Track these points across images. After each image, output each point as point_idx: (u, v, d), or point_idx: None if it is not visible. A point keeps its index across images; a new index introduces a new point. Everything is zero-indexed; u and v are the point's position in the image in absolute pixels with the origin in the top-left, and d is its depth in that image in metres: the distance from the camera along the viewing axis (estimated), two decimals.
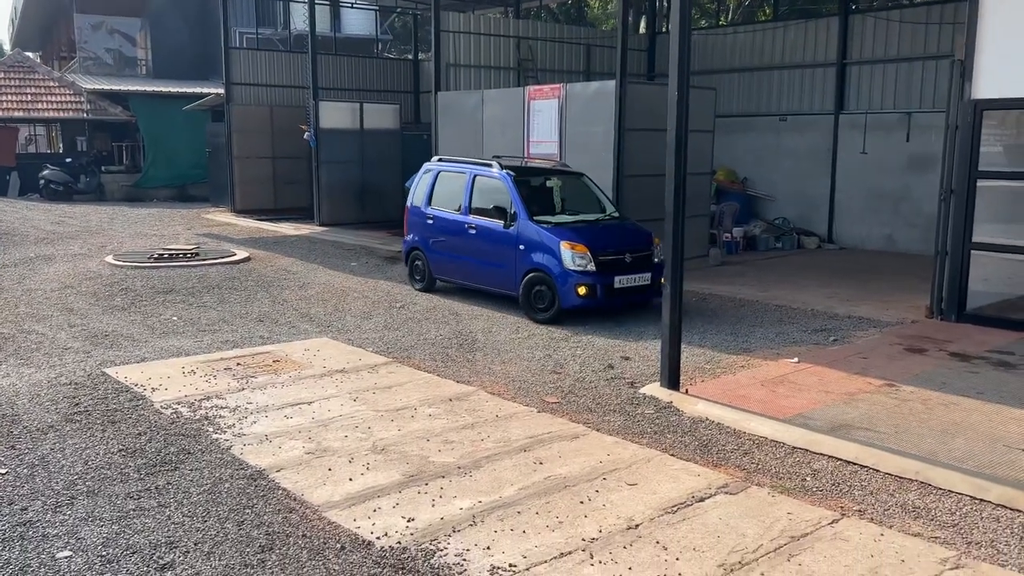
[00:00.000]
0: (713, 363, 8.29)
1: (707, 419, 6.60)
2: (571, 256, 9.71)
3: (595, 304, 9.82)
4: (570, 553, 4.34)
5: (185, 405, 6.61)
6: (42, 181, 24.96)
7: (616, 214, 10.91)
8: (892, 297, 11.61)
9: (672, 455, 5.81)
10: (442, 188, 11.59)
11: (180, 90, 27.10)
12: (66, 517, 4.61)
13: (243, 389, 7.09)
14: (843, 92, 16.80)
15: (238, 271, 13.52)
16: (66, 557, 4.16)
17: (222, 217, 22.03)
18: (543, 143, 14.33)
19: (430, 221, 11.63)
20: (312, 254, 15.66)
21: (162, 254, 14.33)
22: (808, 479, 5.49)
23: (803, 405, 6.91)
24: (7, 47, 57.23)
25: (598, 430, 6.28)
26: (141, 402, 6.68)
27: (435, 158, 12.48)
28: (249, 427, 6.15)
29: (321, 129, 19.62)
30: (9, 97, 25.63)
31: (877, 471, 5.62)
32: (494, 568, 4.17)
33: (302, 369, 7.74)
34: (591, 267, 9.69)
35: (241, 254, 14.96)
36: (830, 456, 5.86)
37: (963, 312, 9.86)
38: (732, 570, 4.20)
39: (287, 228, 19.79)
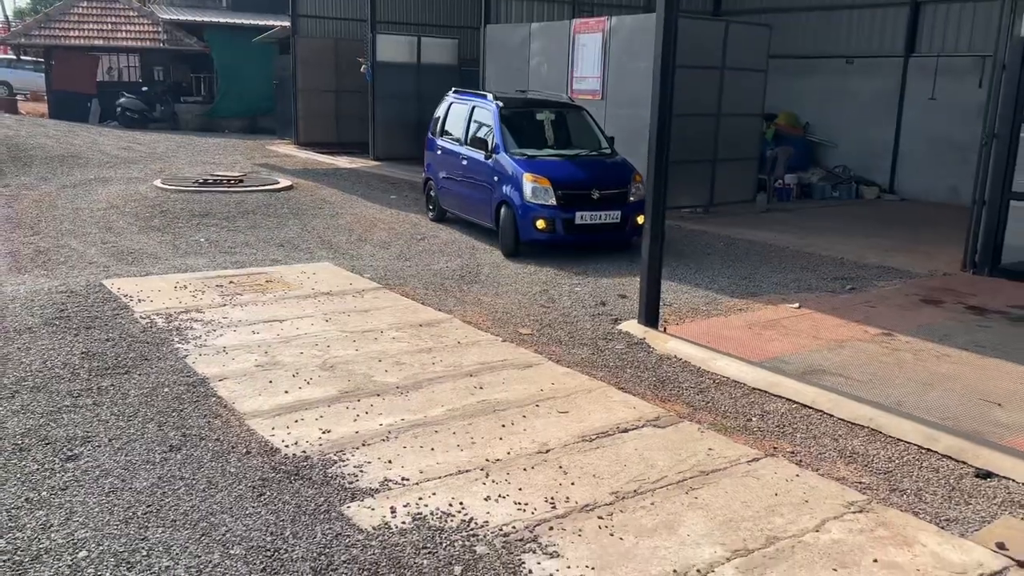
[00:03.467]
0: (712, 304, 8.07)
1: (675, 356, 6.44)
2: (531, 188, 9.53)
3: (555, 239, 9.62)
4: (468, 472, 4.33)
5: (162, 316, 6.83)
6: (119, 108, 25.84)
7: (607, 150, 10.61)
8: (936, 249, 11.02)
9: (620, 388, 5.70)
10: (451, 120, 11.66)
11: (254, 22, 27.48)
12: (3, 408, 4.85)
13: (224, 305, 7.26)
14: (915, 33, 15.78)
15: (276, 199, 13.76)
16: None
17: (284, 149, 22.42)
18: (587, 79, 14.00)
19: (439, 152, 11.74)
20: (356, 186, 15.81)
21: (208, 180, 14.70)
22: (754, 419, 5.32)
23: (784, 349, 6.66)
24: None
25: (557, 361, 6.21)
26: (123, 312, 6.92)
27: (452, 90, 12.42)
28: (213, 340, 6.31)
29: (378, 63, 19.63)
30: (90, 25, 26.50)
31: (831, 416, 5.40)
32: (386, 480, 4.20)
33: (290, 290, 7.88)
34: (551, 201, 9.46)
35: (285, 183, 15.21)
36: (787, 399, 5.66)
37: (997, 266, 9.29)
38: (623, 497, 4.12)
39: (342, 161, 20.01)
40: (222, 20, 27.76)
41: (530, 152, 10.10)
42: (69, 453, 4.32)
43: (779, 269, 9.74)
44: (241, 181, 14.93)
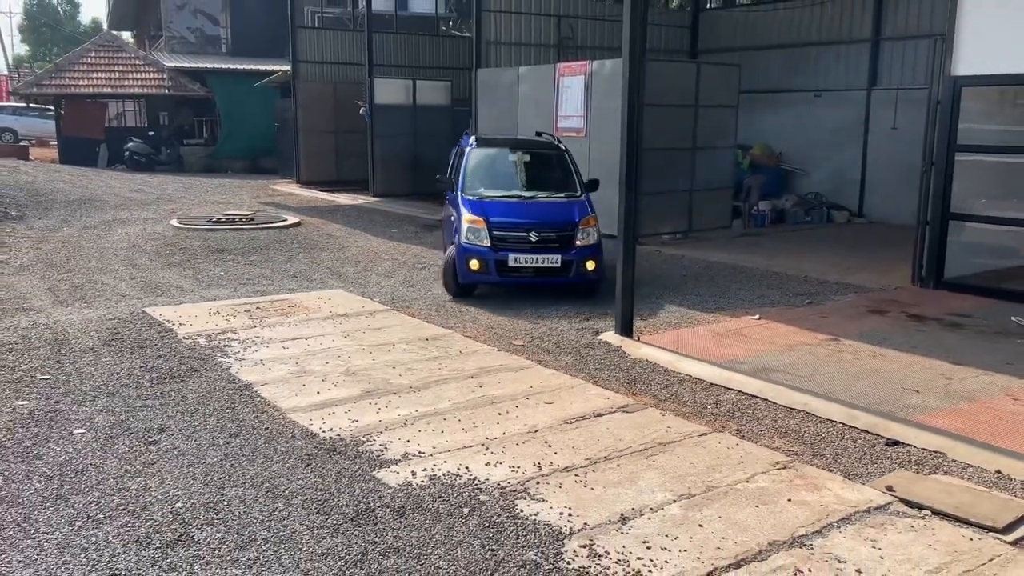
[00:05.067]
0: (683, 318, 9.18)
1: (646, 360, 7.56)
2: (467, 229, 9.70)
3: (488, 281, 9.76)
4: (471, 447, 5.44)
5: (203, 337, 7.94)
6: (126, 153, 27.13)
7: (576, 193, 10.53)
8: (892, 267, 12.16)
9: (598, 385, 6.82)
10: (455, 162, 12.66)
11: (254, 67, 28.88)
12: (87, 409, 5.95)
13: (255, 327, 8.38)
14: (876, 68, 17.13)
15: (286, 235, 14.93)
16: (80, 433, 5.47)
17: (286, 188, 23.65)
18: (571, 118, 15.28)
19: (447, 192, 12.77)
20: (358, 221, 17.00)
21: (220, 218, 15.88)
22: (709, 407, 6.42)
23: (741, 353, 7.78)
24: (105, 25, 60.79)
25: (544, 365, 7.32)
26: (168, 334, 8.04)
27: (465, 134, 13.46)
28: (251, 354, 7.42)
29: (376, 105, 20.94)
30: (99, 74, 27.88)
31: (773, 403, 6.51)
32: (406, 454, 5.30)
33: (310, 313, 9.01)
34: (485, 242, 9.57)
35: (293, 220, 16.40)
36: (738, 391, 6.77)
37: (941, 280, 10.44)
38: (596, 461, 5.23)
39: (343, 198, 21.22)
40: (224, 66, 29.15)
41: (488, 192, 10.25)
42: (150, 439, 5.41)
43: (747, 287, 10.87)
44: (252, 219, 16.10)
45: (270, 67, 28.60)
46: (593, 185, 10.85)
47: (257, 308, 9.20)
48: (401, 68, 23.63)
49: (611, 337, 8.19)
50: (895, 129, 16.68)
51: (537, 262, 9.60)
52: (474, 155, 10.89)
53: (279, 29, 30.33)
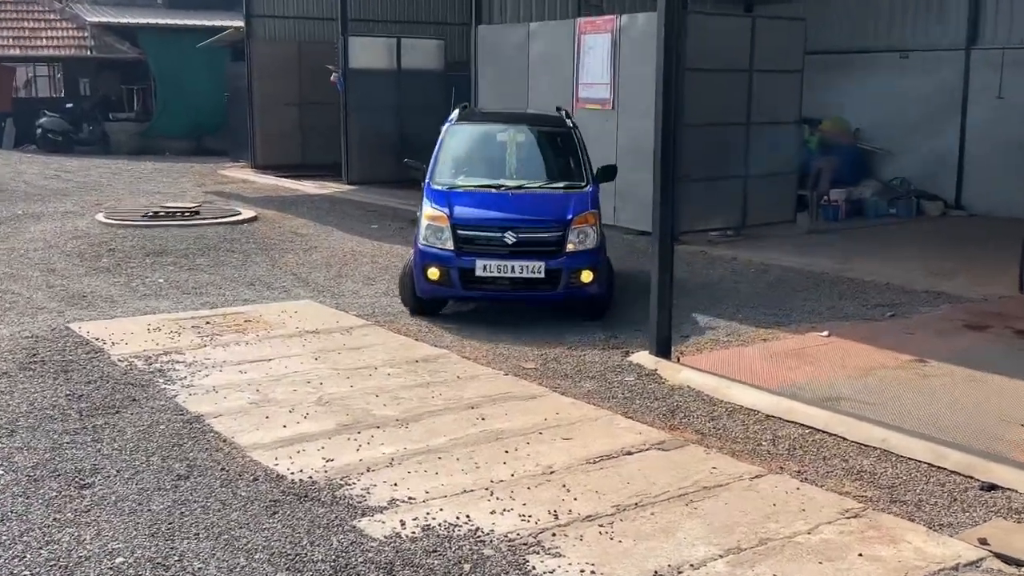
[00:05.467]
0: (733, 335, 9.41)
1: (687, 387, 7.78)
2: (426, 227, 9.66)
3: (450, 295, 9.73)
4: (472, 491, 5.66)
5: (141, 359, 8.19)
6: (39, 130, 27.54)
7: (580, 183, 10.30)
8: (997, 272, 12.30)
9: (627, 416, 7.04)
10: None
11: (198, 23, 29.30)
12: (3, 446, 6.20)
13: (204, 346, 8.63)
14: (977, 21, 17.34)
15: (240, 232, 15.21)
16: None
17: (239, 173, 23.99)
18: (595, 86, 15.57)
19: None
20: (329, 215, 17.28)
21: (158, 212, 16.18)
22: (764, 444, 6.64)
23: (804, 377, 8.01)
24: None
25: (562, 393, 7.56)
26: (98, 355, 8.29)
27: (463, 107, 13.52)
28: (200, 380, 7.66)
29: (351, 70, 21.25)
30: (4, 32, 28.31)
31: (844, 439, 6.72)
32: (393, 499, 5.52)
33: (272, 329, 9.25)
34: (447, 244, 9.45)
35: (248, 214, 16.69)
36: (800, 424, 6.99)
37: None
38: (624, 509, 5.44)
39: (310, 186, 21.53)
40: (160, 22, 29.54)
41: (464, 181, 10.23)
42: (82, 482, 5.65)
43: (814, 297, 11.10)
44: (196, 213, 16.42)
45: (217, 23, 28.98)
46: (609, 173, 10.71)
47: (207, 323, 9.45)
48: (383, 24, 23.97)
49: (644, 358, 8.41)
50: (1001, 99, 16.88)
51: (513, 271, 9.36)
52: (453, 134, 10.80)
53: None
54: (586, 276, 9.52)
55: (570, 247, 9.51)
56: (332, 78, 21.69)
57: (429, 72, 22.14)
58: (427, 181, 10.26)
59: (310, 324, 9.50)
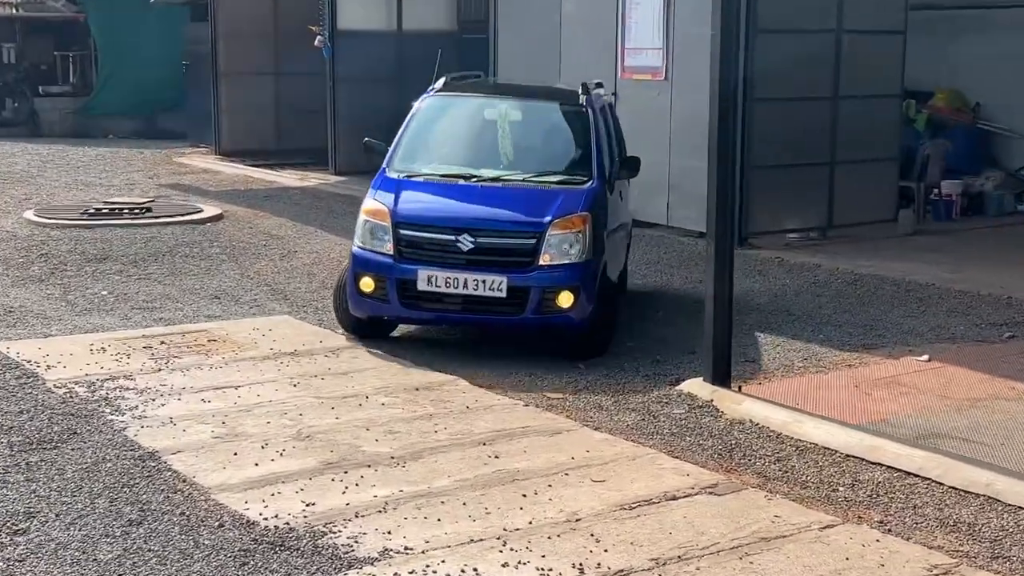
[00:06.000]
0: (811, 360, 9.73)
1: (749, 421, 8.11)
2: (362, 224, 9.80)
3: (387, 314, 9.80)
4: (481, 541, 5.99)
5: (83, 385, 8.59)
6: None
7: (583, 179, 10.16)
8: None
9: (673, 456, 7.37)
10: None
11: None
12: None
13: (159, 370, 9.03)
14: None
15: (201, 234, 15.67)
16: None
17: (201, 161, 24.52)
18: (643, 52, 15.97)
19: None
20: (312, 213, 17.74)
21: (100, 209, 16.67)
22: (840, 489, 6.95)
23: (895, 410, 8.33)
24: None
25: (595, 427, 7.91)
26: (30, 380, 8.70)
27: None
28: (154, 410, 8.05)
29: (339, 32, 21.67)
30: None
31: (940, 484, 7.01)
32: (386, 550, 5.86)
33: (241, 350, 9.64)
34: (387, 247, 9.50)
35: (212, 211, 17.18)
36: (887, 466, 7.29)
37: None
38: (664, 563, 5.75)
39: (288, 177, 22.04)
40: None
41: (429, 170, 10.35)
42: (15, 527, 6.02)
43: (915, 313, 11.41)
44: (148, 210, 16.93)
45: None
46: (631, 166, 10.81)
47: (162, 343, 9.84)
48: None
49: (697, 387, 8.74)
50: None
51: (466, 287, 9.26)
52: (428, 109, 10.92)
53: None
54: (565, 299, 9.33)
55: (545, 259, 9.37)
56: (316, 42, 22.11)
57: (438, 35, 22.46)
58: (383, 167, 10.38)
59: (288, 344, 9.87)
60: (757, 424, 8.05)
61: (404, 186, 9.99)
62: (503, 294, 9.24)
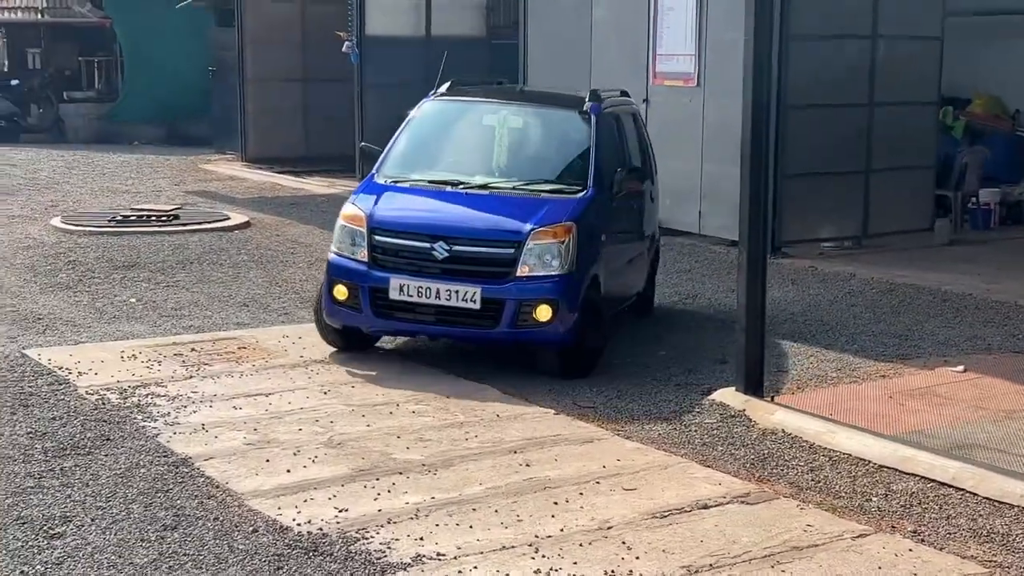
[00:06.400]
0: (844, 370, 9.84)
1: (782, 431, 8.23)
2: (339, 229, 9.76)
3: (359, 324, 9.67)
4: (513, 548, 6.14)
5: (115, 392, 8.79)
6: None
7: (576, 188, 9.95)
8: None
9: (705, 465, 7.51)
10: None
11: None
12: None
13: (191, 377, 9.23)
14: None
15: (228, 241, 15.89)
16: None
17: (227, 168, 24.79)
18: (675, 57, 16.12)
19: None
20: None
21: (127, 216, 16.91)
22: (874, 499, 7.07)
23: (930, 422, 8.44)
24: None
25: (626, 437, 8.05)
26: (63, 387, 8.90)
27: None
28: (186, 416, 8.25)
29: (368, 38, 21.90)
30: None
31: (974, 494, 7.12)
32: (419, 556, 6.02)
33: (271, 358, 9.83)
34: (361, 254, 9.41)
35: (239, 219, 17.41)
36: (921, 476, 7.40)
37: None
38: (696, 571, 5.89)
39: (316, 184, 22.27)
40: None
41: (417, 176, 10.24)
42: (52, 532, 6.20)
43: (951, 323, 11.51)
44: (175, 217, 17.16)
45: None
46: (638, 175, 10.79)
47: (192, 351, 10.04)
48: None
49: (730, 396, 8.87)
50: None
51: (439, 297, 9.13)
52: (425, 114, 10.90)
53: None
54: (543, 313, 9.12)
55: (524, 270, 9.17)
56: (344, 47, 22.35)
57: (468, 40, 22.77)
58: (372, 172, 10.37)
59: (317, 352, 10.04)
60: (790, 434, 8.18)
61: (386, 191, 9.94)
62: (476, 305, 9.10)
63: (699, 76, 15.62)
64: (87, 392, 8.79)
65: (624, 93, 12.04)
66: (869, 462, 7.67)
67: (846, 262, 14.56)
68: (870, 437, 8.01)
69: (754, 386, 8.83)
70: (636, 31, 16.45)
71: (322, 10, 24.55)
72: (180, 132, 29.76)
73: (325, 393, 8.87)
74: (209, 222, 16.99)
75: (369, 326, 9.63)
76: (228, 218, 17.39)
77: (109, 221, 16.78)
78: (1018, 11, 19.02)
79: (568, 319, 9.18)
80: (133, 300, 12.56)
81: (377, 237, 9.38)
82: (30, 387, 8.88)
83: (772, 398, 8.83)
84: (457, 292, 9.06)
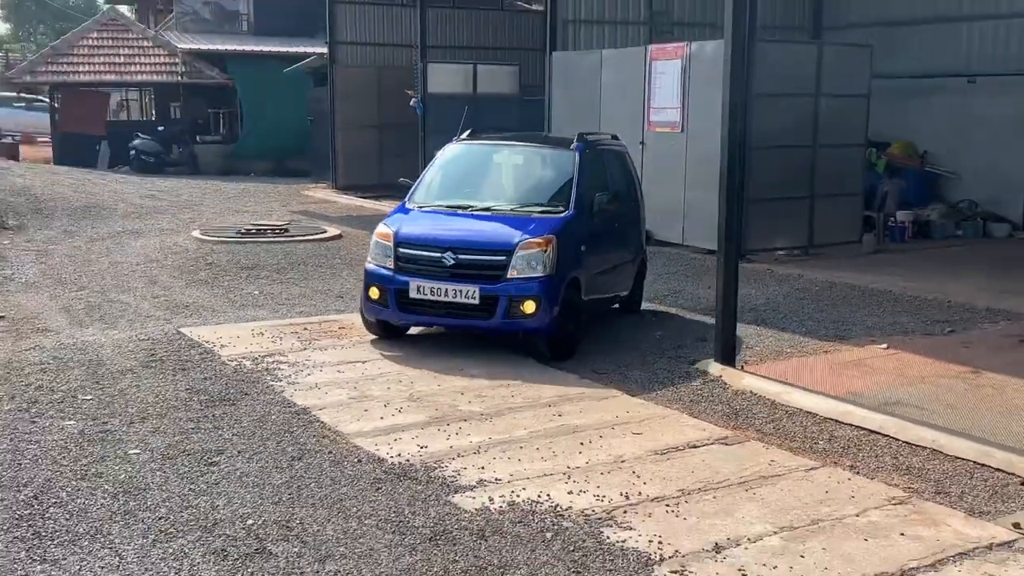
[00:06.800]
0: (796, 347, 9.96)
1: (749, 392, 8.38)
2: (373, 244, 9.68)
3: (387, 316, 9.56)
4: (551, 475, 6.34)
5: (249, 359, 9.02)
6: (132, 152, 28.95)
7: (558, 209, 9.72)
8: None
9: (693, 416, 7.68)
10: None
11: (282, 50, 30.56)
12: (138, 429, 7.03)
13: (304, 349, 9.44)
14: None
15: (326, 249, 16.12)
16: (136, 453, 6.54)
17: (321, 194, 25.02)
18: (665, 110, 16.22)
19: None
20: None
21: (249, 229, 17.18)
22: (821, 442, 7.22)
23: (863, 386, 8.54)
24: None
25: (632, 394, 8.21)
26: (210, 355, 9.14)
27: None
28: (303, 378, 8.47)
29: (429, 94, 22.15)
30: (101, 59, 29.84)
31: (896, 439, 7.26)
32: (481, 480, 6.23)
33: (365, 336, 10.02)
34: (389, 263, 9.37)
35: (333, 231, 17.63)
36: (856, 426, 7.54)
37: None
38: (689, 492, 6.08)
39: (388, 206, 22.07)
40: (247, 48, 30.87)
41: (445, 202, 10.12)
42: (209, 460, 6.44)
43: (876, 313, 11.59)
44: (285, 230, 17.38)
45: (300, 49, 30.20)
46: (614, 199, 10.37)
47: (305, 329, 10.26)
48: (459, 50, 24.86)
49: (710, 366, 9.02)
50: None
51: (447, 295, 9.10)
52: (447, 154, 10.85)
53: (309, 3, 31.99)
54: (528, 307, 8.96)
55: (513, 273, 9.03)
56: (411, 102, 22.63)
57: (504, 96, 22.94)
58: (405, 200, 10.34)
59: (398, 330, 10.23)
60: (756, 394, 8.33)
61: (409, 215, 9.93)
62: (476, 301, 9.03)
63: (683, 124, 15.74)
64: (228, 359, 9.02)
65: (615, 137, 11.91)
66: (816, 415, 7.82)
67: (796, 266, 14.64)
68: (818, 396, 8.15)
69: (728, 358, 8.98)
70: (635, 90, 16.56)
71: (393, 74, 24.78)
72: (285, 166, 30.08)
73: (406, 361, 9.09)
74: (311, 234, 17.24)
75: (395, 319, 9.62)
76: (325, 231, 17.62)
77: (236, 233, 17.04)
78: (926, 75, 19.15)
79: (550, 312, 9.04)
80: (256, 292, 12.78)
81: (401, 249, 9.34)
82: (186, 356, 9.11)
83: (742, 367, 8.98)
84: (461, 291, 9.04)
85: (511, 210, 9.85)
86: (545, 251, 9.08)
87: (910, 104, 19.11)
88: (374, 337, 9.88)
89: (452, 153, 10.82)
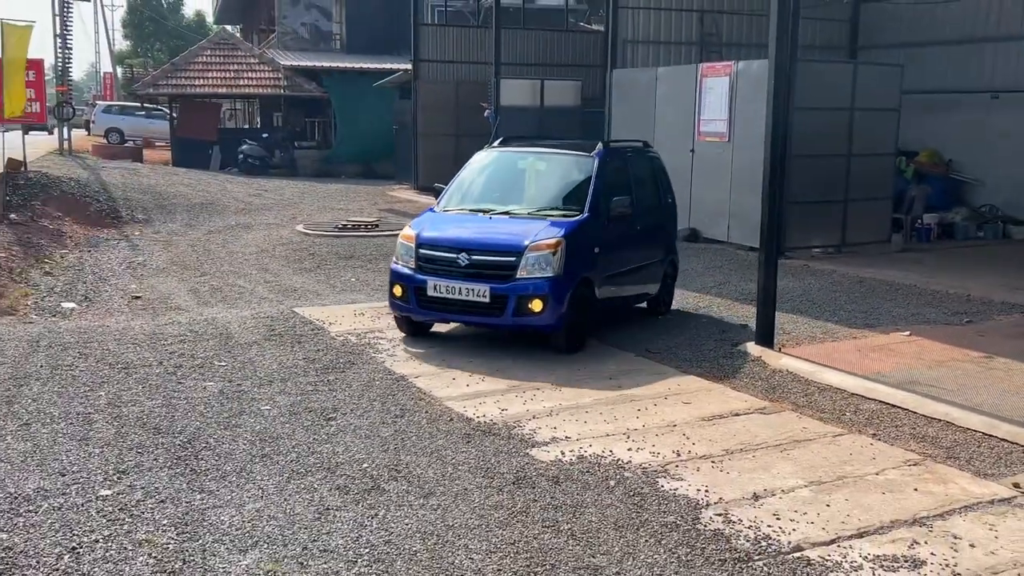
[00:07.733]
0: (828, 333, 10.24)
1: (786, 370, 8.71)
2: (399, 246, 9.47)
3: (409, 312, 9.30)
4: (613, 435, 6.77)
5: (353, 335, 9.57)
6: (240, 156, 29.89)
7: (571, 210, 9.44)
8: None
9: (736, 390, 8.04)
10: None
11: (371, 66, 31.25)
12: (267, 390, 7.60)
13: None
14: None
15: None
16: (267, 409, 7.11)
17: (404, 194, 25.64)
18: (714, 121, 16.49)
19: None
20: None
21: (345, 225, 17.80)
22: (848, 414, 7.54)
23: (886, 367, 8.82)
24: (210, 18, 65.54)
25: (683, 371, 8.59)
26: (320, 331, 9.71)
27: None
28: (400, 352, 8.99)
29: (501, 107, 22.63)
30: (214, 74, 30.81)
31: (914, 412, 7.56)
32: (554, 438, 6.69)
33: None
34: (411, 263, 9.17)
35: None
36: (879, 401, 7.84)
37: None
38: (731, 452, 6.47)
39: None
40: (341, 65, 31.64)
41: (469, 206, 9.81)
42: (327, 417, 6.98)
43: (900, 304, 11.80)
44: (376, 226, 17.97)
45: (386, 65, 30.86)
46: (630, 204, 9.80)
47: None
48: (528, 66, 25.29)
49: (751, 348, 9.36)
50: None
51: (461, 293, 8.84)
52: (477, 161, 10.52)
53: (395, 24, 32.67)
54: (536, 305, 8.68)
55: (523, 273, 8.72)
56: (485, 114, 23.13)
57: (567, 108, 23.36)
58: (435, 204, 10.11)
59: None
60: (791, 373, 8.65)
61: (433, 218, 9.71)
62: (487, 299, 8.76)
63: (729, 134, 16.00)
64: (336, 335, 9.58)
65: (646, 144, 11.51)
66: (844, 391, 8.13)
67: (829, 262, 14.86)
68: (846, 375, 8.46)
69: (767, 341, 9.31)
70: (687, 103, 16.85)
71: (470, 88, 25.26)
72: (373, 169, 30.81)
73: (487, 340, 9.56)
74: (397, 229, 17.57)
75: (415, 315, 9.36)
76: None
77: (334, 228, 17.68)
78: (952, 91, 19.14)
79: (556, 310, 8.77)
80: (353, 279, 13.37)
81: (421, 250, 9.14)
82: (300, 331, 9.69)
83: (780, 349, 9.30)
84: (474, 289, 8.79)
85: (528, 213, 9.50)
86: (554, 252, 8.75)
87: (937, 117, 19.12)
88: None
89: (481, 160, 10.52)
